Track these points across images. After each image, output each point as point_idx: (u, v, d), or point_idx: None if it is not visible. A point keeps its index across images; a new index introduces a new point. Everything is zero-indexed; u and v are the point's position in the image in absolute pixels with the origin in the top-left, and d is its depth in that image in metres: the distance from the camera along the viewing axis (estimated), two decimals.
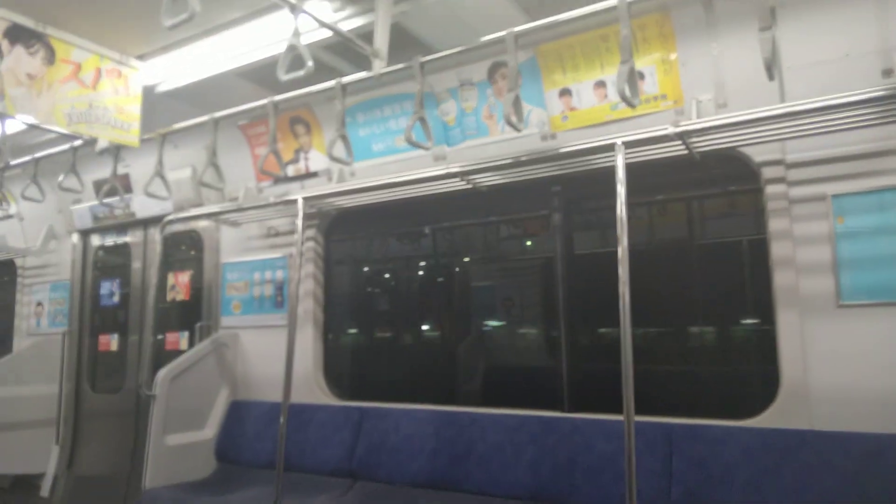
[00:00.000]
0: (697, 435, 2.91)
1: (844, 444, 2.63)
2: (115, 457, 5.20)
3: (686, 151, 2.89)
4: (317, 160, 4.24)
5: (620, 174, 2.66)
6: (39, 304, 5.91)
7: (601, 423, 3.16)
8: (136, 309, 5.35)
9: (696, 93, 3.05)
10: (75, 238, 5.75)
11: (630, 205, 2.70)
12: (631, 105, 2.54)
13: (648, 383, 3.15)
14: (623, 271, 2.54)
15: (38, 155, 4.79)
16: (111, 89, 3.74)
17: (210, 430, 4.34)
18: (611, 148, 2.78)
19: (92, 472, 5.35)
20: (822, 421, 2.73)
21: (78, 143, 4.49)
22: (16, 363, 5.40)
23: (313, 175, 4.28)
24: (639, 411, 2.49)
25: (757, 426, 2.84)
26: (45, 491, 5.38)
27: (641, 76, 3.07)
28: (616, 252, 2.58)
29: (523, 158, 3.11)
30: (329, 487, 3.76)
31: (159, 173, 4.12)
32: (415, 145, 3.14)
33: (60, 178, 4.53)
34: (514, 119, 2.76)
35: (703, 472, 2.82)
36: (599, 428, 3.14)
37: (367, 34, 3.20)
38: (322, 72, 3.61)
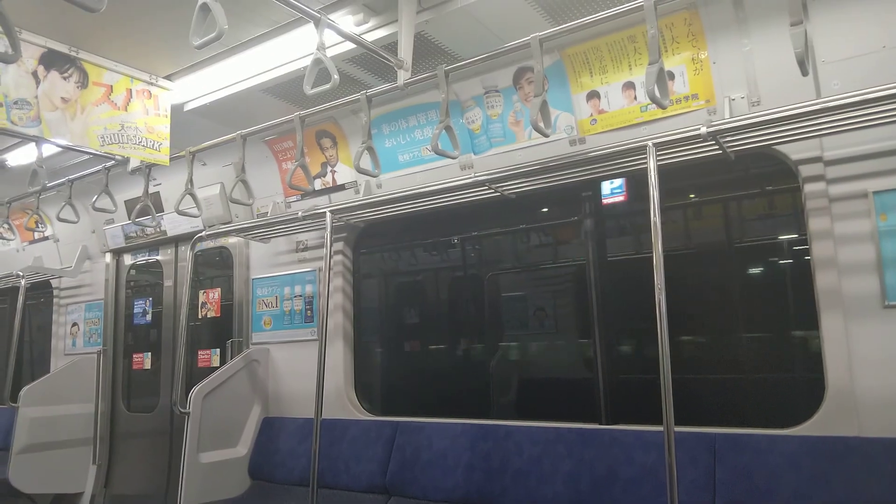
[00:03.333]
0: (741, 444, 2.81)
1: (894, 450, 2.51)
2: (151, 475, 5.23)
3: (720, 151, 2.82)
4: (343, 173, 4.24)
5: (653, 177, 2.59)
6: (75, 324, 6.01)
7: (641, 434, 3.07)
8: (169, 327, 5.40)
9: (728, 91, 2.98)
10: (108, 258, 5.85)
11: (664, 208, 2.63)
12: (661, 106, 2.49)
13: (688, 392, 3.06)
14: (658, 277, 2.46)
15: (72, 177, 4.89)
16: (141, 109, 3.80)
17: (243, 448, 4.34)
18: (642, 150, 2.72)
19: (128, 490, 5.39)
20: (869, 427, 2.62)
21: (110, 163, 4.57)
22: (53, 383, 5.48)
23: (340, 188, 4.28)
24: (679, 421, 2.41)
25: (802, 434, 2.74)
26: None
27: (671, 76, 3.01)
28: (650, 257, 2.51)
29: (551, 164, 3.06)
30: None
31: (189, 191, 4.17)
32: (441, 154, 3.11)
33: (94, 198, 4.61)
34: (541, 124, 2.72)
35: (747, 483, 2.72)
36: (639, 439, 3.05)
37: (391, 45, 3.19)
38: (347, 84, 3.63)
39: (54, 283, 6.28)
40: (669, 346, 2.40)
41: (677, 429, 2.37)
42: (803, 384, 3.20)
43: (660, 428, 2.39)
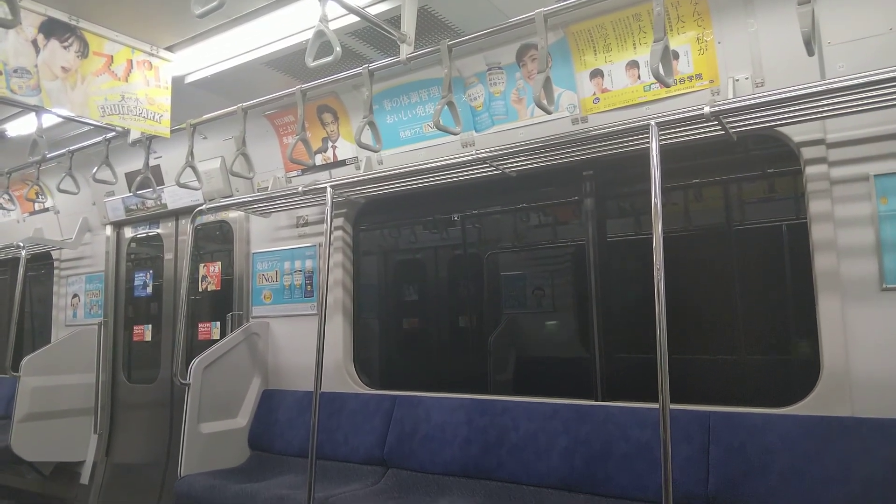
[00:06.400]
0: (735, 423, 2.84)
1: (887, 431, 2.55)
2: (152, 445, 5.29)
3: (722, 132, 2.81)
4: (344, 149, 4.24)
5: (655, 157, 2.58)
6: (75, 295, 6.04)
7: (636, 411, 3.10)
8: (169, 299, 5.42)
9: (732, 72, 2.97)
10: (108, 230, 5.85)
11: (665, 189, 2.63)
12: (665, 84, 2.47)
13: (684, 372, 3.09)
14: (658, 258, 2.46)
15: (72, 147, 4.87)
16: (142, 81, 3.77)
17: (243, 419, 4.39)
18: (644, 129, 2.71)
19: (129, 459, 5.46)
20: (863, 408, 2.65)
21: (111, 135, 4.56)
22: (54, 353, 5.53)
23: (341, 164, 4.28)
24: (675, 401, 2.44)
25: (797, 413, 2.77)
26: (84, 478, 5.51)
27: (676, 56, 3.00)
28: (650, 238, 2.51)
29: (552, 141, 3.06)
30: (361, 475, 3.77)
31: (190, 164, 4.16)
32: (443, 129, 3.10)
33: (94, 170, 4.60)
34: (544, 101, 2.71)
35: (741, 461, 2.75)
36: (634, 416, 3.09)
37: (394, 19, 3.17)
38: (349, 59, 3.60)
39: (55, 254, 6.29)
40: (667, 325, 2.42)
41: (672, 406, 2.40)
42: (799, 365, 3.23)
43: (655, 405, 2.41)
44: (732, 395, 3.10)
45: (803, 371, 2.97)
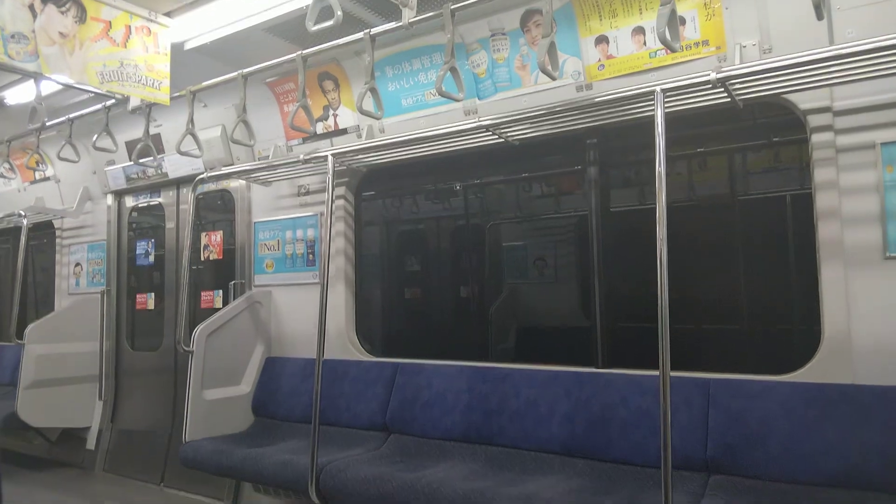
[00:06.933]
0: (735, 390, 2.87)
1: (888, 397, 2.57)
2: (157, 412, 5.36)
3: (728, 99, 2.78)
4: (346, 117, 4.20)
5: (660, 125, 2.55)
6: (78, 264, 6.05)
7: (636, 377, 3.13)
8: (171, 268, 5.44)
9: (739, 38, 2.92)
10: (110, 199, 5.84)
11: (669, 158, 2.61)
12: (672, 49, 2.44)
13: (686, 343, 3.11)
14: (661, 230, 2.44)
15: (72, 115, 4.84)
16: (141, 47, 3.73)
17: (246, 386, 4.43)
18: (649, 96, 2.68)
19: (135, 426, 5.53)
20: (864, 375, 2.67)
21: (110, 102, 4.52)
22: (57, 321, 5.57)
23: (342, 132, 4.25)
24: (676, 369, 2.45)
25: (797, 380, 2.79)
26: (90, 444, 5.59)
27: (682, 21, 2.95)
28: (653, 208, 2.50)
29: (556, 108, 3.03)
30: (364, 441, 3.82)
31: (190, 131, 4.13)
32: (445, 96, 3.07)
33: (94, 138, 4.57)
34: (548, 67, 2.67)
35: (740, 427, 2.78)
36: (634, 383, 3.11)
37: None
38: (350, 25, 3.55)
39: (56, 223, 6.29)
40: (669, 295, 2.42)
41: (672, 373, 2.41)
42: (800, 335, 3.25)
43: (655, 372, 2.42)
44: (734, 365, 3.11)
45: (806, 341, 2.98)
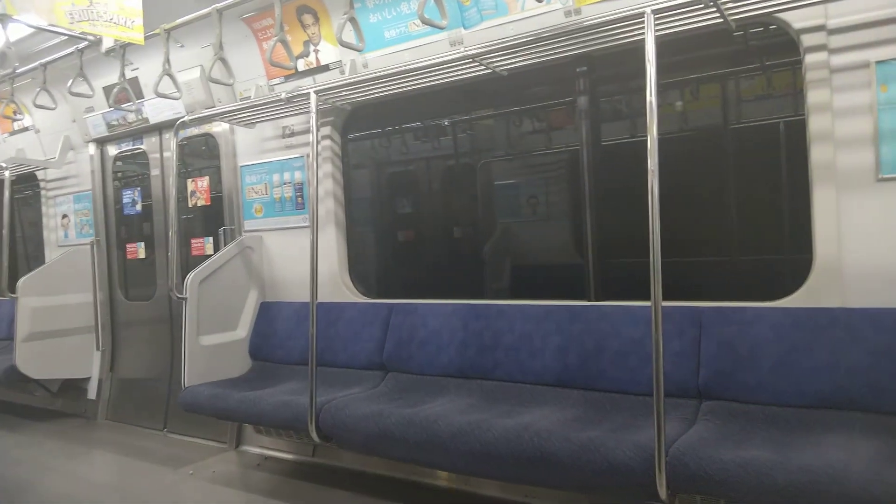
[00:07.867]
0: (727, 317, 2.88)
1: (877, 319, 2.58)
2: (154, 360, 5.40)
3: (721, 20, 2.69)
4: (328, 52, 4.06)
5: (650, 50, 2.47)
6: (65, 216, 5.98)
7: (628, 309, 3.14)
8: (160, 217, 5.38)
9: None
10: (92, 148, 5.72)
11: (661, 87, 2.53)
12: None
13: (678, 274, 3.10)
14: (652, 161, 2.40)
15: (44, 60, 4.68)
16: None
17: (242, 331, 4.45)
18: (639, 18, 2.59)
19: (134, 374, 5.59)
20: (854, 298, 2.68)
21: (83, 45, 4.36)
22: (49, 274, 5.54)
23: (325, 69, 4.12)
24: (668, 300, 2.44)
25: (788, 306, 2.80)
26: (91, 394, 5.66)
27: None
28: (644, 140, 2.44)
29: (543, 34, 2.92)
30: (362, 380, 3.86)
31: (167, 72, 4.01)
32: (428, 23, 2.95)
33: (69, 83, 4.43)
34: None
35: (731, 354, 2.81)
36: (626, 314, 3.12)
37: None
38: None
39: (40, 175, 6.17)
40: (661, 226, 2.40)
41: (664, 303, 2.41)
42: (792, 263, 3.24)
43: (647, 303, 2.42)
44: (727, 294, 3.11)
45: (798, 269, 2.97)
